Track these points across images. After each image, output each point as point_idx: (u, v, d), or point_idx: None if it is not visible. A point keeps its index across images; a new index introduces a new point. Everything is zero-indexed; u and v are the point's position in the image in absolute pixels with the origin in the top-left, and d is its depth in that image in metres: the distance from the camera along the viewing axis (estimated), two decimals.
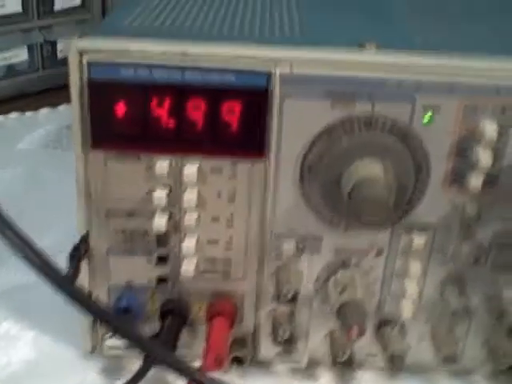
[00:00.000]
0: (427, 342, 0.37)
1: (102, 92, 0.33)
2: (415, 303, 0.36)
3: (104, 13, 0.86)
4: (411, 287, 0.35)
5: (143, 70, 0.32)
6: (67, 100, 0.79)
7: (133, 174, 0.34)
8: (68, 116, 0.79)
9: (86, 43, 0.33)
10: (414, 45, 0.35)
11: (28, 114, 0.76)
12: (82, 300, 0.30)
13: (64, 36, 0.83)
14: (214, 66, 0.32)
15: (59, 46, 0.83)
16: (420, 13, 0.43)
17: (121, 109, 0.33)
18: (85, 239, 0.36)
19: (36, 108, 0.77)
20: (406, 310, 0.35)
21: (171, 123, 0.33)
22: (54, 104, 0.78)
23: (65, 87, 0.84)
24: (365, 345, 0.37)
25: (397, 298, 0.36)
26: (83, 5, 0.84)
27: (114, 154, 0.34)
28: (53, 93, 0.81)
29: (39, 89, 0.82)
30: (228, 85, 0.32)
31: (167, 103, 0.33)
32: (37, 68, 0.82)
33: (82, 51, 0.32)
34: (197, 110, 0.33)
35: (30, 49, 0.80)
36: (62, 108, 0.78)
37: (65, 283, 0.30)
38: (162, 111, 0.33)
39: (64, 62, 0.86)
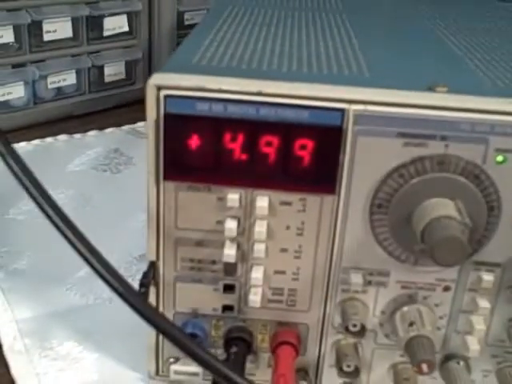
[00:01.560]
0: (492, 379, 0.37)
1: (177, 125, 0.33)
2: (482, 340, 0.36)
3: (150, 39, 0.88)
4: (478, 324, 0.35)
5: (218, 105, 0.33)
6: (113, 123, 0.80)
7: (203, 205, 0.35)
8: (115, 139, 0.81)
9: (164, 79, 0.33)
10: (484, 88, 0.35)
11: (76, 136, 0.78)
12: (156, 318, 0.30)
13: (111, 61, 0.85)
14: (289, 102, 0.32)
15: (106, 71, 0.85)
16: (486, 55, 0.43)
17: (194, 142, 0.33)
18: (153, 266, 0.37)
19: (83, 131, 0.79)
20: (473, 346, 0.35)
21: (243, 157, 0.34)
22: (100, 127, 0.80)
23: (111, 110, 0.85)
24: (429, 379, 0.37)
25: (463, 334, 0.36)
26: (130, 31, 0.86)
27: (185, 185, 0.35)
28: (99, 116, 0.84)
29: (86, 111, 0.84)
30: (302, 122, 0.32)
31: (240, 138, 0.33)
32: (83, 91, 0.84)
33: (159, 86, 0.33)
34: (269, 146, 0.33)
35: (78, 73, 0.83)
36: (108, 131, 0.79)
37: (139, 301, 0.30)
38: (234, 145, 0.33)
39: (111, 85, 0.87)
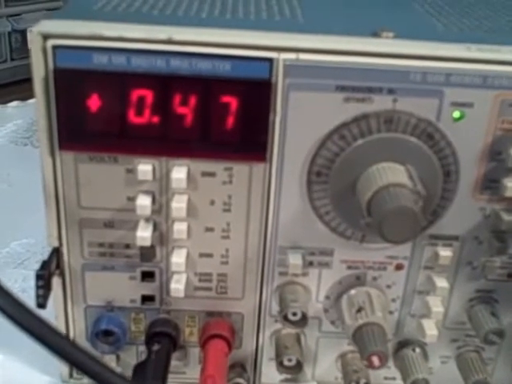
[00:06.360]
0: (451, 366, 0.34)
1: (71, 82, 0.29)
2: (440, 323, 0.33)
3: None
4: (436, 306, 0.32)
5: (120, 56, 0.28)
6: None
7: (109, 179, 0.31)
8: None
9: (51, 26, 0.28)
10: (436, 33, 0.32)
11: None
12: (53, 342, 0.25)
13: (34, 25, 0.78)
14: (206, 52, 0.28)
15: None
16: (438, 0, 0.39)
17: (94, 103, 0.29)
18: (56, 253, 0.32)
19: (4, 101, 0.74)
20: (430, 330, 0.32)
21: (154, 119, 0.29)
22: (23, 97, 0.75)
23: None
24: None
25: (419, 317, 0.33)
26: None
27: (86, 155, 0.30)
28: (22, 85, 0.78)
29: (7, 81, 0.79)
30: (222, 75, 0.28)
31: (149, 96, 0.29)
32: (5, 59, 0.79)
33: (46, 35, 0.28)
34: (185, 105, 0.29)
35: None
36: (32, 102, 0.73)
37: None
38: (143, 105, 0.29)
39: None
